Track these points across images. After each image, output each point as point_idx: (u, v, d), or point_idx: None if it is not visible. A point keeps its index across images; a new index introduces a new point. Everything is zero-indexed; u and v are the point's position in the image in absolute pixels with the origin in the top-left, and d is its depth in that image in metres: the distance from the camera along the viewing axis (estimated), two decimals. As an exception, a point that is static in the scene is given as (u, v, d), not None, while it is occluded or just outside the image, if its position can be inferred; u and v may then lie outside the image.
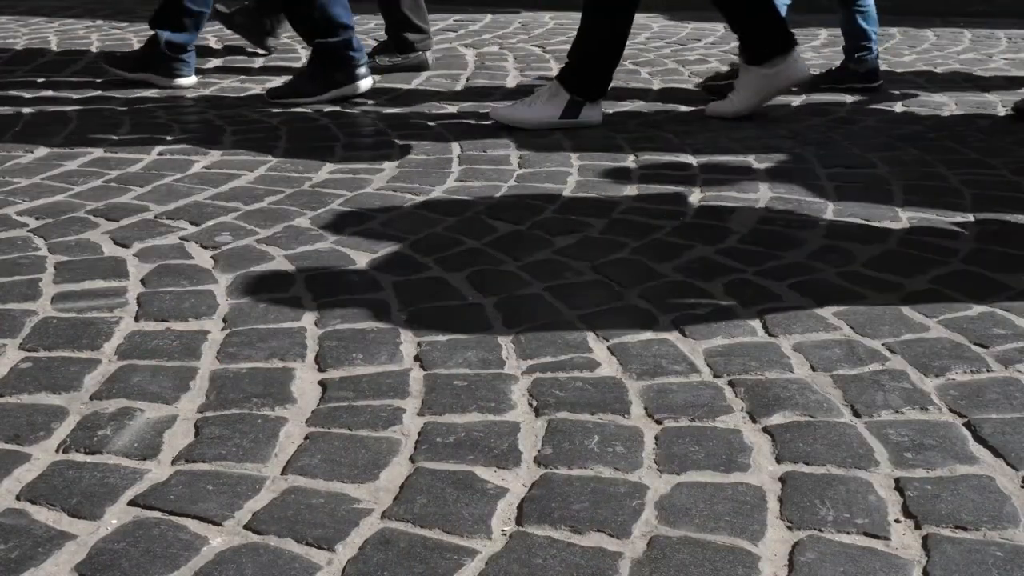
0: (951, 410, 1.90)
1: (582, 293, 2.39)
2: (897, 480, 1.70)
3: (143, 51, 4.41)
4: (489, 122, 3.80)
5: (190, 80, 4.40)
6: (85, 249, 2.63)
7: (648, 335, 2.19)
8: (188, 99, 4.19)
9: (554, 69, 4.72)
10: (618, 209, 2.93)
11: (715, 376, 2.03)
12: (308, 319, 2.27)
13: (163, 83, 4.36)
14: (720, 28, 5.66)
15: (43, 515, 1.61)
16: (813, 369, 2.05)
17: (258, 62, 4.90)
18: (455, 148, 3.51)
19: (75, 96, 4.23)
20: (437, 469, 1.73)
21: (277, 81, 4.48)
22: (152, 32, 4.36)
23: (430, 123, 3.83)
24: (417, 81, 4.51)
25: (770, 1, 3.77)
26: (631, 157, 3.42)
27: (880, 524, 1.59)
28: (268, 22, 4.97)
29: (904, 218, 2.86)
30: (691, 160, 3.38)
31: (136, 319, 2.26)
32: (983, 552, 1.53)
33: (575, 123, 3.73)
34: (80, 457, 1.76)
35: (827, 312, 2.29)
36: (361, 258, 2.59)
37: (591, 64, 3.72)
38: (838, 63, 4.41)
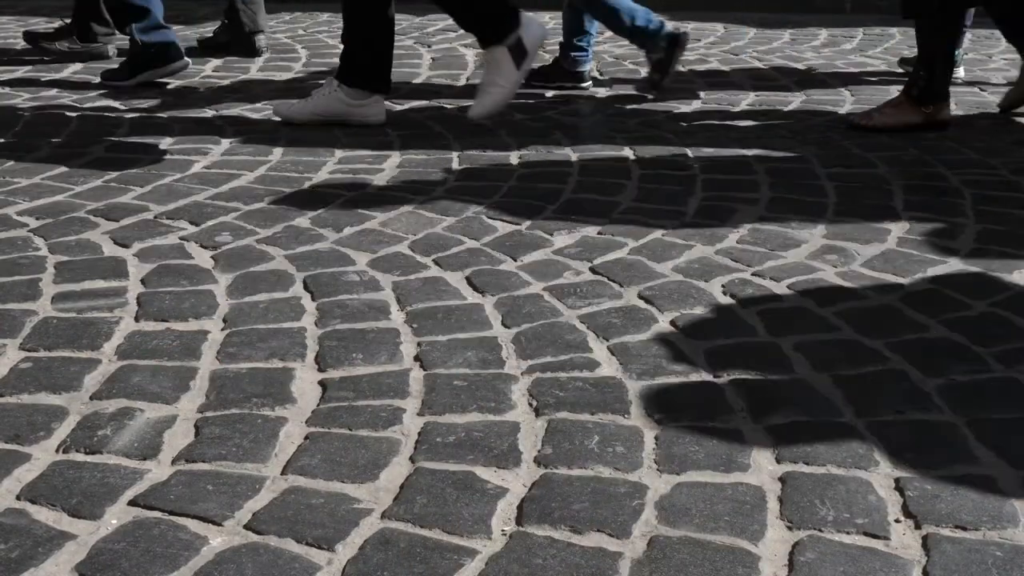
0: (951, 410, 1.90)
1: (582, 293, 2.39)
2: (897, 480, 1.70)
3: (130, 55, 4.41)
4: (489, 122, 3.80)
5: (183, 62, 4.40)
6: (85, 249, 2.63)
7: (648, 335, 2.19)
8: (188, 99, 4.19)
9: (554, 69, 4.72)
10: (618, 209, 2.93)
11: (715, 376, 2.03)
12: (308, 319, 2.27)
13: (162, 74, 4.36)
14: (720, 28, 5.66)
15: (43, 515, 1.61)
16: (813, 369, 2.05)
17: (258, 62, 4.90)
18: (455, 148, 3.51)
19: (75, 96, 4.23)
20: (437, 469, 1.73)
21: (276, 81, 4.48)
22: (127, 36, 4.39)
23: (430, 123, 3.83)
24: (417, 81, 4.51)
25: (388, 34, 3.68)
26: (631, 156, 3.42)
27: (880, 524, 1.59)
28: (246, 24, 4.98)
29: (904, 218, 2.86)
30: (691, 160, 3.38)
31: (136, 319, 2.26)
32: (983, 552, 1.53)
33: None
34: (80, 457, 1.76)
35: (827, 312, 2.29)
36: (361, 258, 2.59)
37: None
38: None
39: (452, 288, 2.42)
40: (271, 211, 2.91)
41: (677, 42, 4.21)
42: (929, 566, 1.50)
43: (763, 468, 1.73)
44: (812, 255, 2.61)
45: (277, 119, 3.82)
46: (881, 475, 1.71)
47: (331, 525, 1.58)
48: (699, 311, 2.30)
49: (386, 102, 3.88)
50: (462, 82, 4.51)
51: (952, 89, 3.84)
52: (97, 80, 4.47)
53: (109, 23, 4.83)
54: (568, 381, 2.01)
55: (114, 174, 3.23)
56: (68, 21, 4.97)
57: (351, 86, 3.70)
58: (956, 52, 4.05)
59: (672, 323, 2.24)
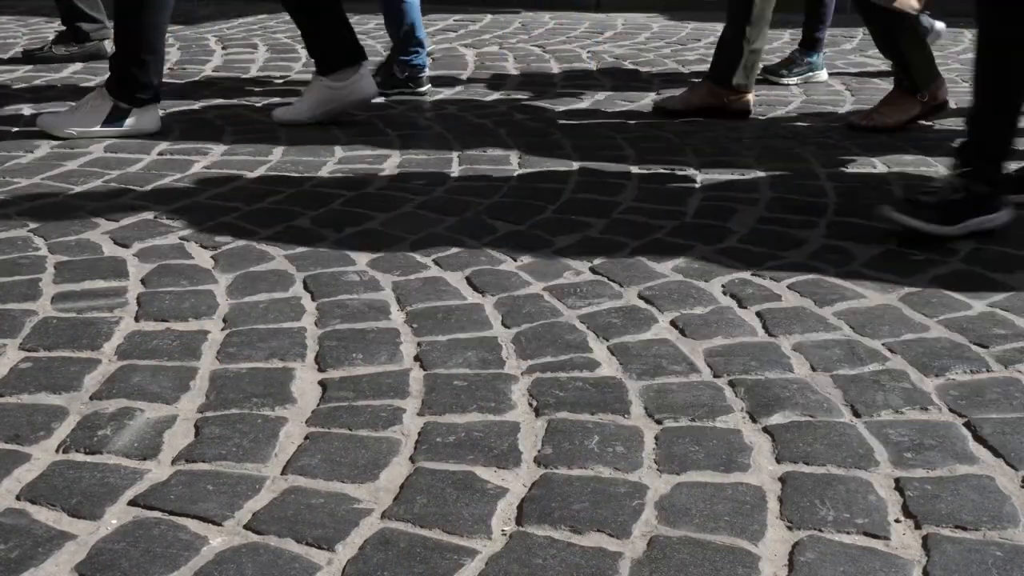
0: (951, 410, 1.90)
1: (581, 292, 2.39)
2: (897, 480, 1.70)
3: None
4: (489, 122, 3.80)
5: None
6: (85, 249, 2.63)
7: (648, 335, 2.19)
8: (188, 99, 4.19)
9: (554, 68, 4.73)
10: (618, 209, 2.93)
11: (715, 376, 2.03)
12: (308, 319, 2.27)
13: None
14: (720, 28, 5.66)
15: (43, 515, 1.61)
16: (813, 369, 2.05)
17: (258, 62, 4.90)
18: (455, 148, 3.51)
19: (75, 96, 4.22)
20: (437, 469, 1.73)
21: (276, 81, 4.48)
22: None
23: (430, 123, 3.83)
24: (417, 81, 4.50)
25: (340, 12, 3.69)
26: (631, 157, 3.42)
27: (880, 524, 1.59)
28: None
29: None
30: (691, 160, 3.38)
31: (136, 319, 2.26)
32: (983, 552, 1.53)
33: (122, 131, 3.59)
34: (80, 457, 1.76)
35: (827, 312, 2.29)
36: (361, 258, 2.59)
37: (129, 68, 3.57)
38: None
39: (452, 288, 2.42)
40: (271, 211, 2.91)
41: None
42: (929, 566, 1.50)
43: (763, 468, 1.73)
44: (812, 255, 2.61)
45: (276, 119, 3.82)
46: (881, 475, 1.71)
47: (331, 525, 1.58)
48: (699, 311, 2.30)
49: (384, 100, 3.88)
50: (462, 82, 4.51)
51: (951, 88, 3.84)
52: (97, 80, 4.46)
53: (95, 18, 4.84)
54: (568, 381, 2.01)
55: (114, 174, 3.23)
56: (64, 28, 4.96)
57: (332, 71, 3.70)
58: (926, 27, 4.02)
59: (672, 323, 2.24)
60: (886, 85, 4.41)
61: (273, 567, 1.50)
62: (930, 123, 3.78)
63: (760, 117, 3.91)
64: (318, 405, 1.93)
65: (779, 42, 5.37)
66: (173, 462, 1.75)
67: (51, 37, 5.00)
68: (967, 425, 1.85)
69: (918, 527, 1.59)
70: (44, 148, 3.49)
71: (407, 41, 4.23)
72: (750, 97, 3.88)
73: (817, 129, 3.75)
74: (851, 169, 3.29)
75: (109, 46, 4.89)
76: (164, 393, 1.96)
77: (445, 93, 4.31)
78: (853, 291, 2.40)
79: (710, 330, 2.21)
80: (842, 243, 2.68)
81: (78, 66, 4.78)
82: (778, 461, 1.75)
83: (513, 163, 3.36)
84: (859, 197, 3.03)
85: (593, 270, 2.52)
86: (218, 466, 1.73)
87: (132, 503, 1.63)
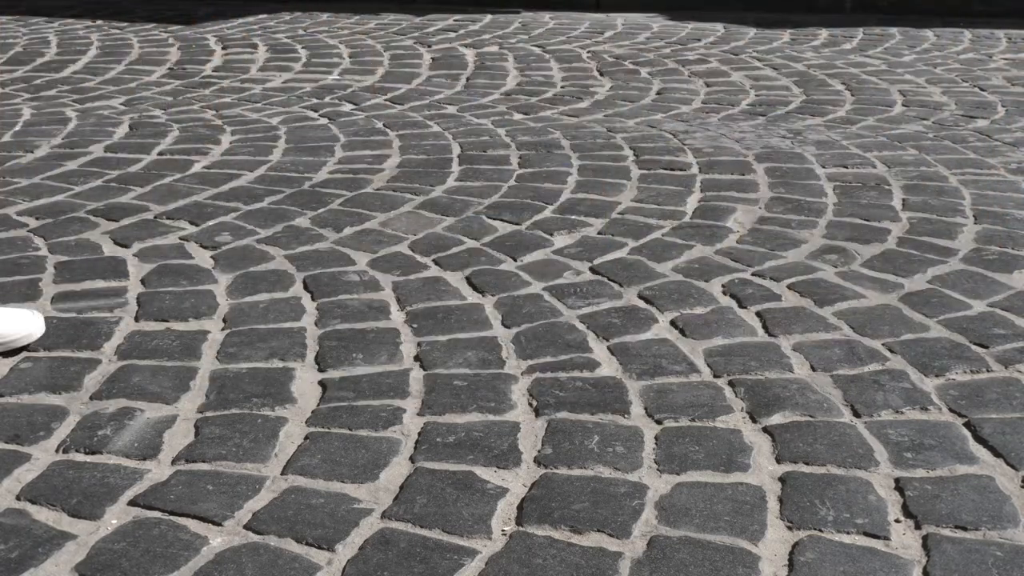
0: (951, 410, 1.90)
1: (582, 293, 2.39)
2: (897, 480, 1.70)
3: None
4: (489, 122, 3.80)
5: None
6: (85, 249, 2.63)
7: (648, 335, 2.19)
8: (188, 99, 4.19)
9: (554, 70, 4.73)
10: (618, 209, 2.93)
11: (715, 376, 2.03)
12: (308, 319, 2.27)
13: None
14: (720, 28, 5.67)
15: (43, 515, 1.61)
16: (813, 369, 2.05)
17: (258, 62, 4.90)
18: (455, 148, 3.51)
19: (75, 96, 4.23)
20: (437, 469, 1.73)
21: (276, 81, 4.48)
22: None
23: (430, 123, 3.83)
24: (417, 81, 4.51)
25: None
26: (631, 157, 3.42)
27: (880, 524, 1.59)
28: None
29: (904, 218, 2.86)
30: (691, 160, 3.38)
31: (136, 319, 2.26)
32: (983, 552, 1.53)
33: None
34: (80, 457, 1.76)
35: (827, 312, 2.29)
36: (361, 258, 2.59)
37: None
38: (840, 62, 4.40)
39: (452, 288, 2.42)
40: (271, 211, 2.91)
41: None
42: (929, 566, 1.50)
43: (763, 468, 1.73)
44: (812, 255, 2.61)
45: (277, 119, 3.82)
46: (881, 475, 1.71)
47: (331, 525, 1.58)
48: (699, 311, 2.30)
49: (386, 101, 3.88)
50: (462, 82, 4.52)
51: (951, 88, 3.83)
52: (97, 80, 4.46)
53: None
54: (568, 381, 2.01)
55: (114, 174, 3.23)
56: None
57: None
58: None
59: (672, 323, 2.24)
60: (886, 84, 4.41)
61: (273, 567, 1.50)
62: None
63: (760, 117, 3.91)
64: (318, 405, 1.93)
65: (779, 42, 5.37)
66: (173, 462, 1.75)
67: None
68: (967, 425, 1.85)
69: (918, 527, 1.59)
70: (44, 148, 3.50)
71: None
72: None
73: (817, 129, 3.75)
74: (851, 169, 3.29)
75: None
76: (164, 393, 1.96)
77: (445, 93, 4.31)
78: (853, 291, 2.40)
79: (710, 330, 2.21)
80: (842, 243, 2.68)
81: (79, 66, 4.78)
82: (778, 461, 1.75)
83: (513, 163, 3.36)
84: (859, 197, 3.03)
85: (593, 270, 2.52)
86: (218, 466, 1.73)
87: (132, 503, 1.63)
